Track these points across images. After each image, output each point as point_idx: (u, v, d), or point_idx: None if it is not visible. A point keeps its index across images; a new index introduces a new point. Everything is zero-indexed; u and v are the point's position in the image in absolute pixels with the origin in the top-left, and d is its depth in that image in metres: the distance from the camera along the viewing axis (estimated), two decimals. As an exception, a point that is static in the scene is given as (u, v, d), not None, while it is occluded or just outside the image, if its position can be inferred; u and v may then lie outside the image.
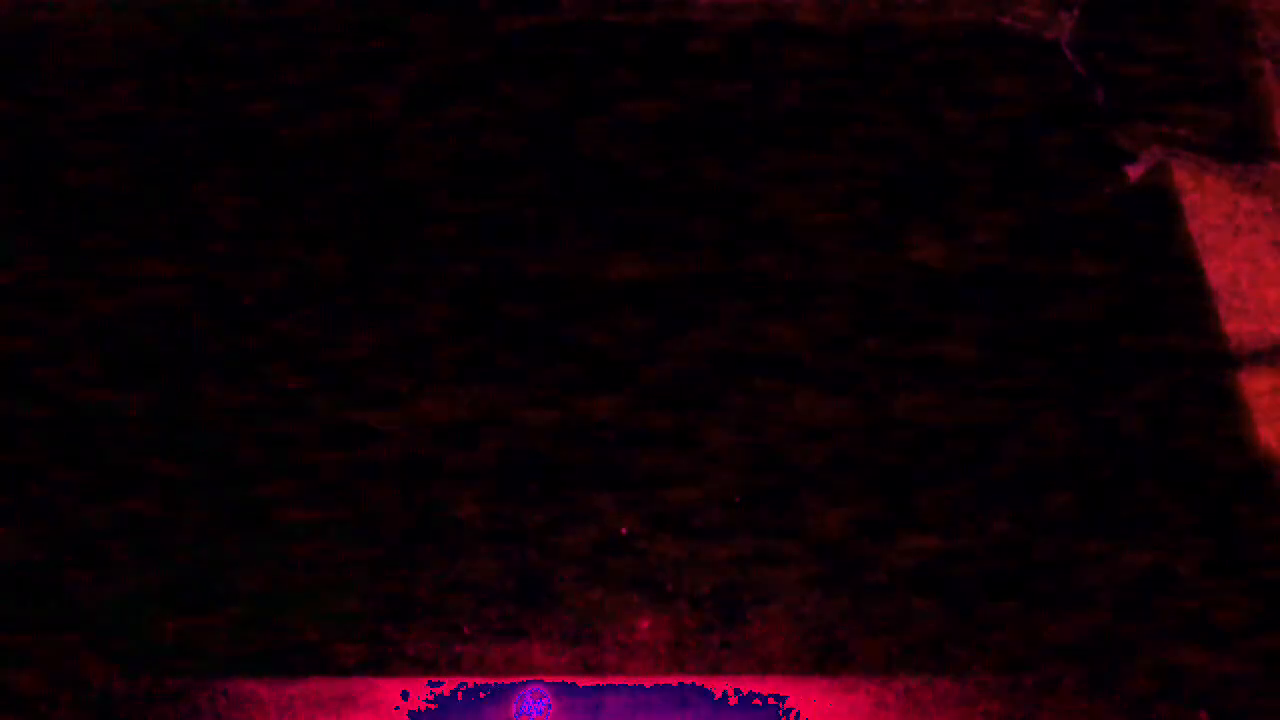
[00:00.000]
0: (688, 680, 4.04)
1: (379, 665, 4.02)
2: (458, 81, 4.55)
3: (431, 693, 4.00)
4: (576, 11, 4.54)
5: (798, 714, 4.03)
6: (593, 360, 4.28)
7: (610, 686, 4.03)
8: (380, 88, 4.53)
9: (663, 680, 4.04)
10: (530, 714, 3.98)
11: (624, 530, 4.16)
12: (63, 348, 4.20)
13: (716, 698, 4.04)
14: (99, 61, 4.58)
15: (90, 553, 4.02)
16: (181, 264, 4.30)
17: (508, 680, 4.01)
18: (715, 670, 4.06)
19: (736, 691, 4.04)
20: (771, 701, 4.04)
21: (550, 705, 3.99)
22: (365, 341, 4.24)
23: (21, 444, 4.12)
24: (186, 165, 4.44)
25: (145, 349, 4.23)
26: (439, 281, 4.29)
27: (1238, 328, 4.29)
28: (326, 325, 4.23)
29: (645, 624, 4.08)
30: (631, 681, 4.03)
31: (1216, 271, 4.31)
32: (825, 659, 4.07)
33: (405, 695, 3.99)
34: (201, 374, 4.21)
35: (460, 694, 4.00)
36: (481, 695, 4.00)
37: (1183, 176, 4.35)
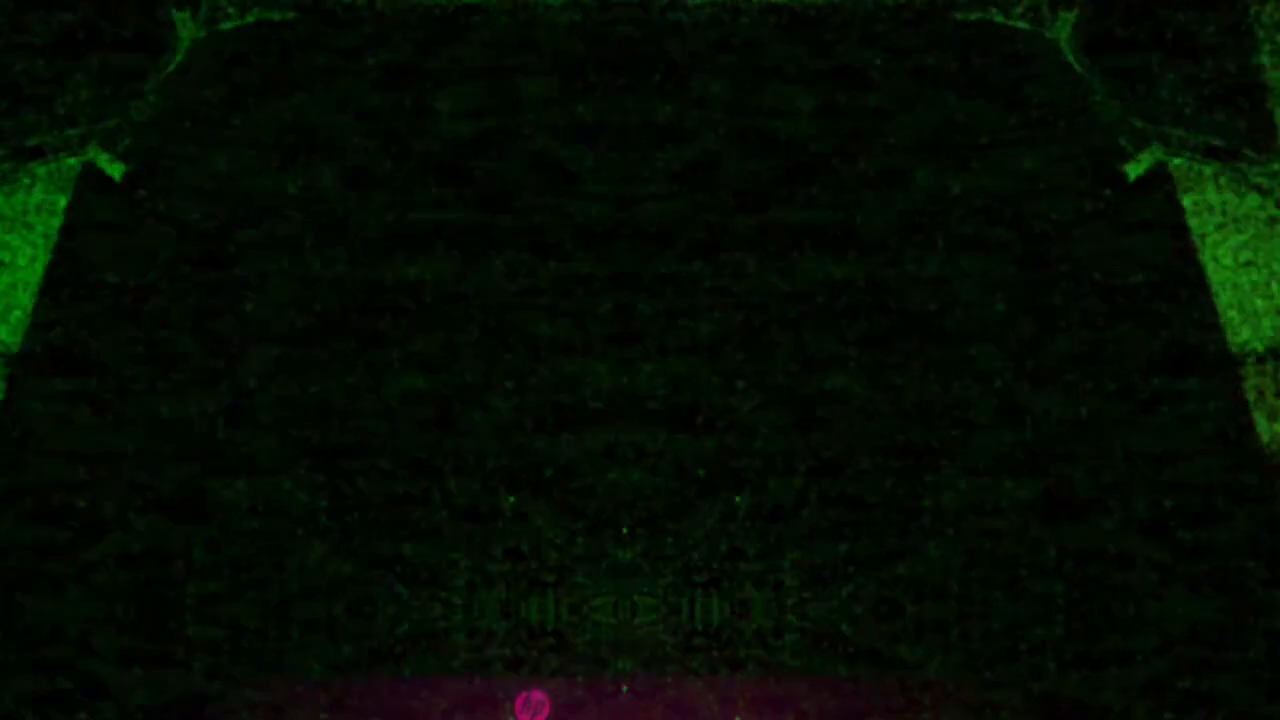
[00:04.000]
0: (688, 680, 4.07)
1: (379, 665, 4.05)
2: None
3: (432, 692, 4.01)
4: None
5: (797, 712, 4.06)
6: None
7: (610, 686, 4.05)
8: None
9: (663, 680, 4.06)
10: (530, 714, 4.00)
11: (625, 530, 4.19)
12: None
13: (716, 697, 4.06)
14: None
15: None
16: None
17: (508, 680, 4.04)
18: (715, 670, 4.09)
19: (735, 691, 4.06)
20: (771, 700, 4.06)
21: (550, 706, 4.01)
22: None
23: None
24: None
25: None
26: None
27: (1237, 327, 4.29)
28: None
29: (645, 623, 4.11)
30: (632, 681, 4.05)
31: (1216, 271, 4.32)
32: (824, 659, 4.10)
33: (405, 695, 4.01)
34: None
35: (461, 694, 4.01)
36: (482, 695, 4.02)
37: (1183, 176, 4.35)
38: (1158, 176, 4.36)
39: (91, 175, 4.50)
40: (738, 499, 4.18)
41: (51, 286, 4.40)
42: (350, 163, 4.48)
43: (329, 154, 4.49)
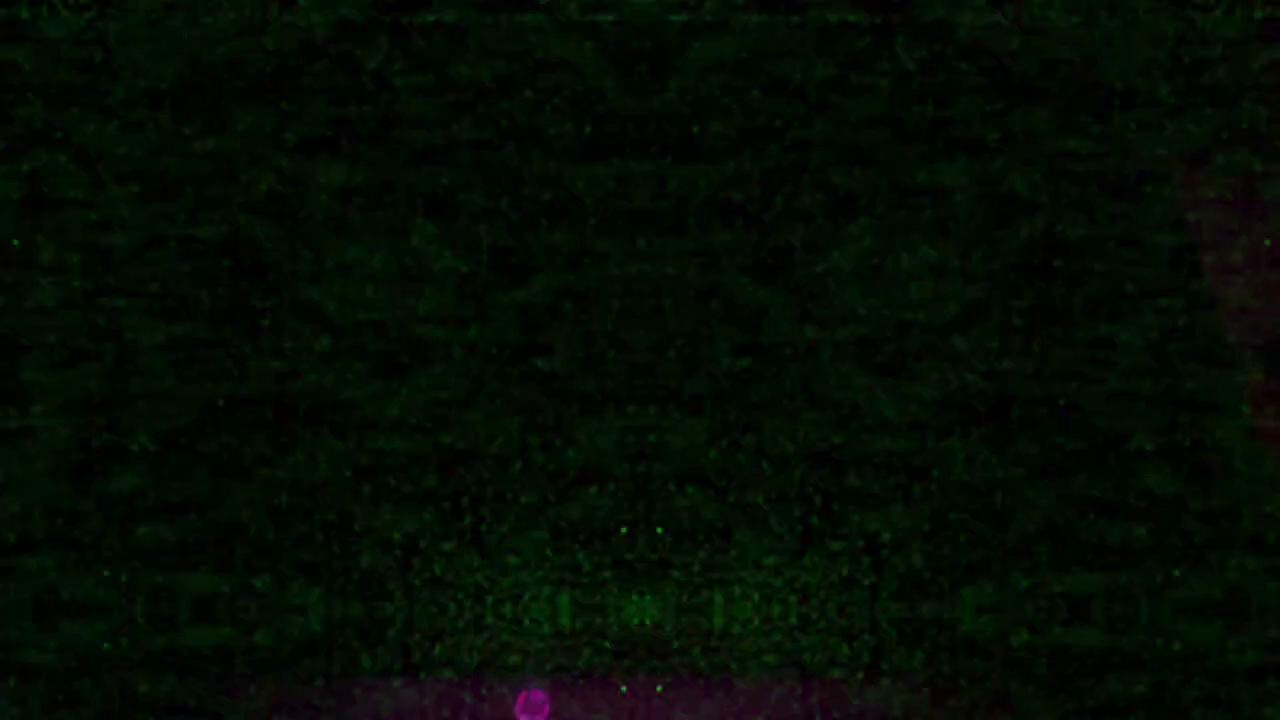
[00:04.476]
0: (689, 680, 4.08)
1: (379, 665, 4.07)
2: None
3: (432, 692, 4.03)
4: None
5: (796, 713, 4.07)
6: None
7: (608, 686, 4.06)
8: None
9: (664, 680, 4.08)
10: (530, 714, 4.01)
11: (623, 529, 4.21)
12: None
13: (716, 696, 4.07)
14: None
15: None
16: None
17: (508, 680, 4.05)
18: (715, 670, 4.10)
19: (734, 691, 4.07)
20: (771, 700, 4.06)
21: (550, 706, 4.02)
22: None
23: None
24: None
25: None
26: None
27: (1237, 326, 4.29)
28: None
29: (644, 623, 4.12)
30: (632, 681, 4.07)
31: (1216, 271, 4.31)
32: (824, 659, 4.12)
33: (405, 695, 4.02)
34: None
35: (461, 694, 4.02)
36: (482, 695, 4.03)
37: (1183, 176, 4.34)
38: (1157, 177, 4.35)
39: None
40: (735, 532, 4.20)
41: None
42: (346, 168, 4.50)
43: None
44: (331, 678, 4.03)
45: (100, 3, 4.43)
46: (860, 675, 4.13)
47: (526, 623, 4.12)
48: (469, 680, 4.06)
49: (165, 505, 4.20)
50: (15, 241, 4.27)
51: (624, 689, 4.06)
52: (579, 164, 4.39)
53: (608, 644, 4.12)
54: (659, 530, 4.20)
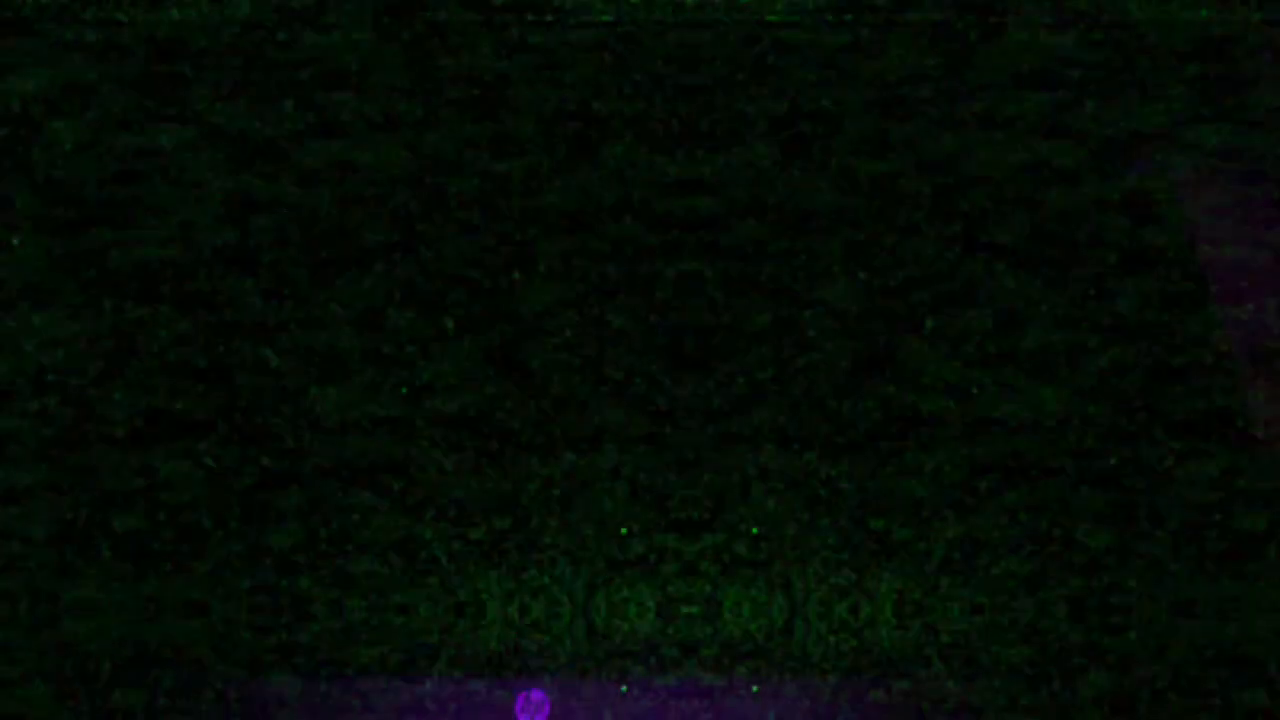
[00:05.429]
0: (688, 680, 4.09)
1: (379, 665, 4.07)
2: None
3: (432, 692, 4.04)
4: None
5: (798, 713, 4.08)
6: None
7: (610, 686, 4.07)
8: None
9: (663, 680, 4.09)
10: (530, 714, 4.02)
11: (624, 530, 4.21)
12: None
13: (716, 696, 4.08)
14: None
15: None
16: None
17: (508, 680, 4.06)
18: (718, 669, 4.11)
19: (734, 689, 4.09)
20: (771, 699, 4.08)
21: (550, 706, 4.03)
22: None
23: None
24: None
25: None
26: None
27: (1237, 324, 4.31)
28: None
29: (645, 623, 4.13)
30: (632, 681, 4.08)
31: (1216, 270, 4.34)
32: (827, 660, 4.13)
33: (405, 695, 4.03)
34: None
35: (462, 694, 4.03)
36: (482, 695, 4.04)
37: (1182, 176, 4.37)
38: (1156, 175, 4.38)
39: None
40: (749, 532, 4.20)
41: None
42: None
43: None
44: (332, 678, 4.04)
45: None
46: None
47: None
48: (469, 680, 4.06)
49: (165, 504, 4.20)
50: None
51: (624, 689, 4.07)
52: None
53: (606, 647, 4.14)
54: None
